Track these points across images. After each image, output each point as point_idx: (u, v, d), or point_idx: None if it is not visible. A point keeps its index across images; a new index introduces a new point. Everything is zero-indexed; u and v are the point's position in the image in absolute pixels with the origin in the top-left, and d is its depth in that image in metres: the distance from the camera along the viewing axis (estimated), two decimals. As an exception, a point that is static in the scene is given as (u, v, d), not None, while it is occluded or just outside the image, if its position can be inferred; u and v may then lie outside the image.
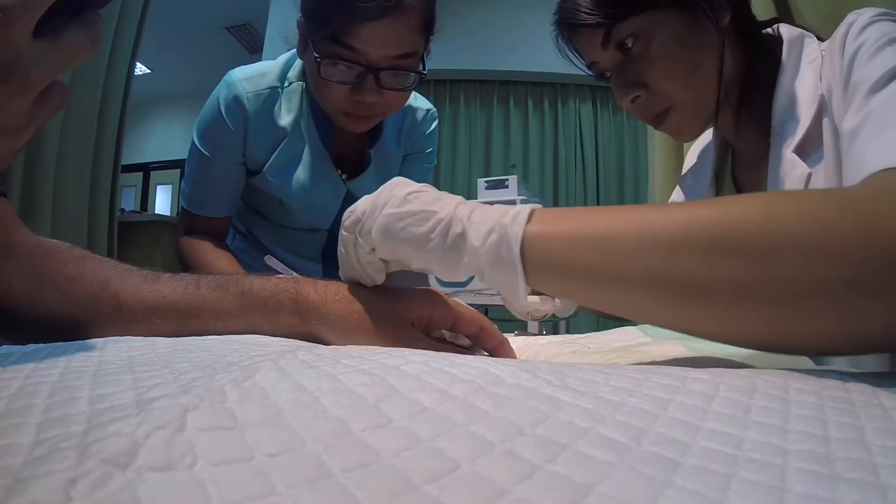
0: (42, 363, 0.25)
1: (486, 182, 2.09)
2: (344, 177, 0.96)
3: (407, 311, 0.40)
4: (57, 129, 1.51)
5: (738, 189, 0.71)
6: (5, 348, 0.30)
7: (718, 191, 0.73)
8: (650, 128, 1.51)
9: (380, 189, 0.39)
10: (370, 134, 0.94)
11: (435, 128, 1.05)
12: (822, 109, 0.55)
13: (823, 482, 0.17)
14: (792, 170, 0.56)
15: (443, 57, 3.98)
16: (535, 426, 0.19)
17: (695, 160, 0.81)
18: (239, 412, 0.19)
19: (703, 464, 0.17)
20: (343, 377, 0.23)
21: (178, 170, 5.08)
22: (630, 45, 0.59)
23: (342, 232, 0.40)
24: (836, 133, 0.52)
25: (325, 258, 1.07)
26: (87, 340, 0.33)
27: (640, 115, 0.63)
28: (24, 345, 0.31)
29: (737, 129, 0.66)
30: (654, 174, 1.46)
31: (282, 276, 0.44)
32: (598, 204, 4.05)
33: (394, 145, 1.01)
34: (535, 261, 0.34)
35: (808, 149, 0.56)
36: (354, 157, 0.97)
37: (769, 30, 0.64)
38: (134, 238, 3.02)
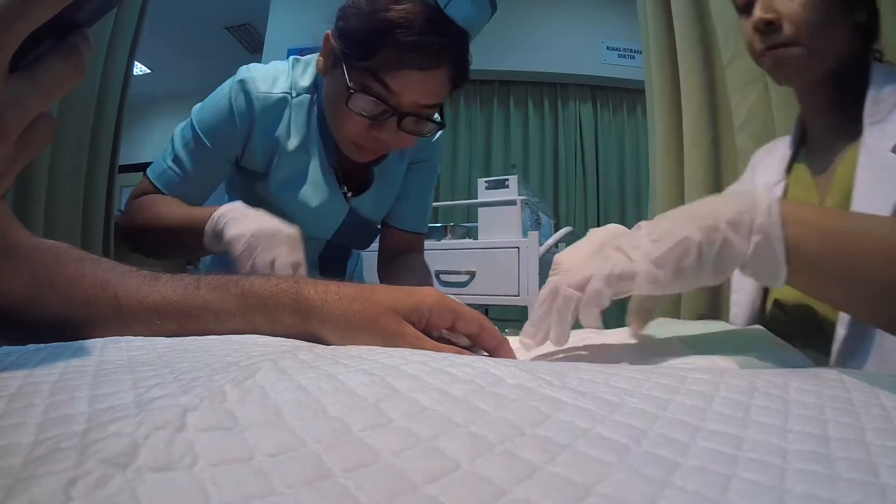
0: (42, 363, 0.25)
1: (486, 182, 2.09)
2: (349, 194, 0.95)
3: (407, 310, 0.40)
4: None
5: (811, 173, 0.76)
6: (5, 348, 0.30)
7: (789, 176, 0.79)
8: (651, 128, 1.51)
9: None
10: (365, 174, 0.96)
11: (440, 137, 1.03)
12: None
13: (823, 482, 0.17)
14: (892, 166, 0.60)
15: (443, 57, 3.99)
16: (535, 426, 0.19)
17: (767, 151, 0.86)
18: (239, 412, 0.18)
19: (702, 464, 0.17)
20: (343, 377, 0.23)
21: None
22: None
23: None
24: None
25: (322, 263, 1.05)
26: (87, 341, 0.33)
27: (763, 41, 0.70)
28: (23, 345, 0.31)
29: (828, 109, 0.72)
30: (655, 174, 1.45)
31: (282, 276, 0.43)
32: (598, 203, 4.05)
33: (397, 157, 0.98)
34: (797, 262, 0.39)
35: None
36: (358, 173, 0.96)
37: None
38: (134, 243, 3.00)
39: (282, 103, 0.87)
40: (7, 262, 0.41)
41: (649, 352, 0.43)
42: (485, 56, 4.00)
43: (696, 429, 0.20)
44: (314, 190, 0.90)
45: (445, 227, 2.03)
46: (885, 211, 0.58)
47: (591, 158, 4.10)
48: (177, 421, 0.17)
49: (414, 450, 0.17)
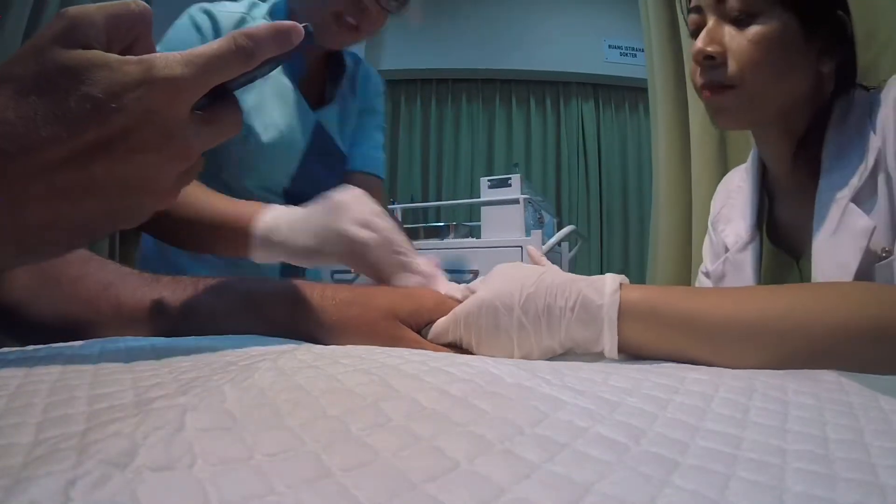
0: (42, 362, 0.25)
1: (489, 181, 2.09)
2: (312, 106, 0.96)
3: (406, 314, 0.40)
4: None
5: (785, 231, 0.69)
6: (5, 348, 0.30)
7: (761, 231, 0.71)
8: (654, 127, 1.50)
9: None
10: (332, 72, 0.99)
11: (384, 90, 1.10)
12: (878, 159, 0.55)
13: (822, 482, 0.17)
14: (852, 220, 0.55)
15: (445, 56, 3.98)
16: (534, 426, 0.19)
17: (724, 199, 0.80)
18: (238, 412, 0.19)
19: (701, 463, 0.17)
20: (342, 377, 0.23)
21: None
22: (741, 16, 0.59)
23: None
24: (889, 184, 0.53)
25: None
26: (87, 340, 0.33)
27: (702, 76, 0.63)
28: (24, 345, 0.31)
29: (793, 163, 0.65)
30: (658, 173, 1.45)
31: (280, 279, 0.43)
32: (600, 202, 4.05)
33: (349, 91, 1.03)
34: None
35: (863, 197, 0.55)
36: (317, 94, 0.98)
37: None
38: (136, 239, 3.01)
39: (241, 22, 0.90)
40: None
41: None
42: (487, 55, 4.00)
43: (695, 428, 0.20)
44: (278, 103, 0.91)
45: (448, 226, 2.03)
46: (846, 280, 0.53)
47: (593, 157, 4.09)
48: (176, 421, 0.17)
49: (413, 449, 0.17)
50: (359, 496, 0.14)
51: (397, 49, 3.90)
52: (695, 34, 0.64)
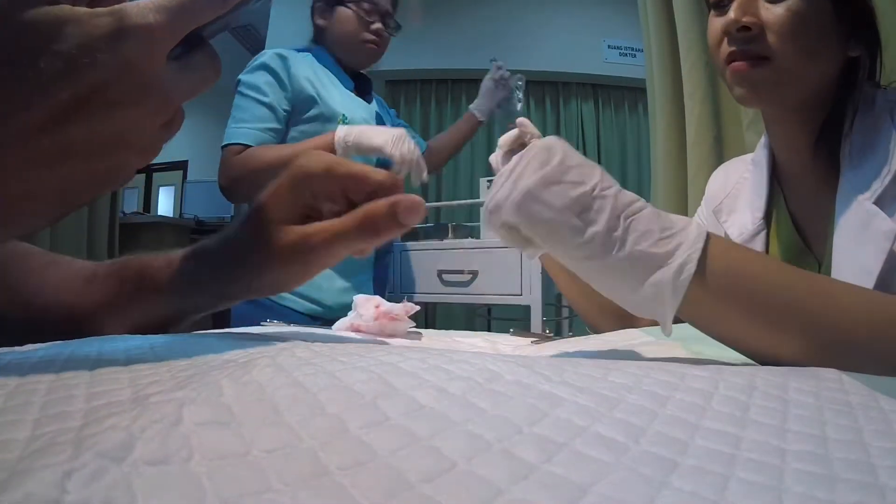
0: (40, 362, 0.25)
1: (488, 181, 2.09)
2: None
3: (282, 207, 0.37)
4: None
5: (797, 225, 0.68)
6: (4, 348, 0.30)
7: (769, 224, 0.70)
8: (653, 126, 1.51)
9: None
10: (364, 87, 1.43)
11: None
12: None
13: (822, 483, 0.16)
14: (876, 223, 0.54)
15: (445, 56, 3.98)
16: (533, 424, 0.19)
17: (726, 189, 0.77)
18: (235, 407, 0.18)
19: (701, 464, 0.17)
20: (340, 374, 0.23)
21: (181, 171, 5.07)
22: None
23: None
24: None
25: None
26: (85, 339, 0.33)
27: (734, 46, 0.60)
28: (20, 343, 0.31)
29: (810, 154, 0.63)
30: (657, 173, 1.45)
31: (175, 252, 0.42)
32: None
33: (378, 105, 1.48)
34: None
35: (886, 199, 0.54)
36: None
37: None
38: (136, 239, 3.02)
39: (301, 53, 1.32)
40: None
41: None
42: (486, 55, 3.99)
43: (695, 427, 0.20)
44: (348, 99, 1.33)
45: (448, 226, 2.03)
46: (868, 284, 0.52)
47: (592, 157, 4.06)
48: (173, 415, 0.17)
49: (411, 448, 0.17)
50: (355, 495, 0.14)
51: (397, 49, 3.88)
52: (717, 5, 0.63)
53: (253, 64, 1.25)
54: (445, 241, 1.93)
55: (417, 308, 0.62)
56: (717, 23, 0.62)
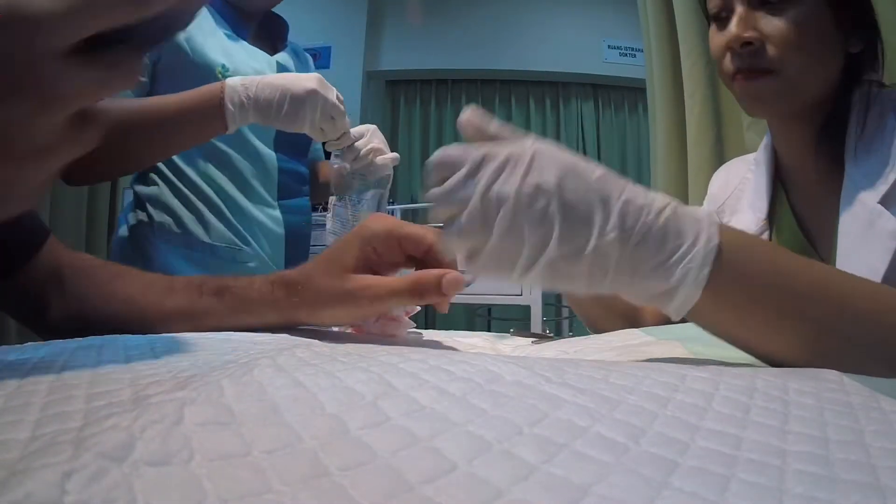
0: (40, 363, 0.25)
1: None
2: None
3: (351, 262, 0.40)
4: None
5: (801, 224, 0.68)
6: (4, 347, 0.30)
7: (772, 224, 0.70)
8: (653, 126, 1.51)
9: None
10: (276, 27, 1.10)
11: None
12: None
13: (822, 483, 0.16)
14: (881, 223, 0.54)
15: (445, 56, 3.98)
16: (534, 425, 0.19)
17: (728, 189, 0.77)
18: (236, 407, 0.18)
19: (701, 465, 0.17)
20: (341, 374, 0.23)
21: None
22: (774, 0, 0.59)
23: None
24: None
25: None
26: (86, 339, 0.33)
27: (736, 65, 0.61)
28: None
29: (813, 154, 0.63)
30: (657, 173, 1.45)
31: (263, 276, 0.46)
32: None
33: (294, 57, 1.12)
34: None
35: (891, 199, 0.54)
36: (268, 48, 1.06)
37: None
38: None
39: None
40: (56, 289, 0.49)
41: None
42: (486, 55, 4.00)
43: (695, 428, 0.20)
44: (242, 48, 0.99)
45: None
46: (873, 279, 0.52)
47: (592, 157, 4.06)
48: (174, 415, 0.17)
49: (411, 449, 0.17)
50: (356, 496, 0.14)
51: (397, 49, 3.90)
52: (716, 18, 0.63)
53: None
54: (445, 240, 1.93)
55: (418, 309, 0.62)
56: (719, 38, 0.63)
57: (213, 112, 0.75)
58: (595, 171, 0.32)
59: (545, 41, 3.95)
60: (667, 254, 0.31)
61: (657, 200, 0.32)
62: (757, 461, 0.18)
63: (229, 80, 0.76)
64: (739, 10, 0.60)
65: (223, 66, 0.93)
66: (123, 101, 0.79)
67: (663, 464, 0.17)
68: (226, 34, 0.98)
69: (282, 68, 1.04)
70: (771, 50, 0.58)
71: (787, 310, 0.33)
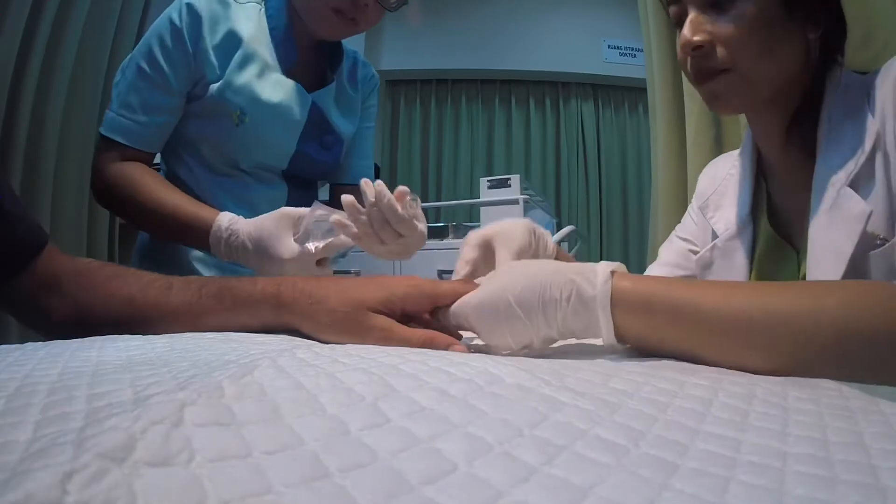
0: (41, 363, 0.25)
1: (488, 181, 2.09)
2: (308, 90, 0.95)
3: (377, 303, 0.42)
4: (57, 130, 1.50)
5: (780, 215, 0.68)
6: (5, 347, 0.30)
7: (756, 217, 0.71)
8: (653, 126, 1.51)
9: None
10: (329, 57, 1.00)
11: (378, 87, 1.12)
12: (876, 144, 0.54)
13: (823, 485, 0.16)
14: (849, 205, 0.55)
15: (444, 57, 3.98)
16: (534, 427, 0.19)
17: (714, 184, 0.78)
18: (236, 408, 0.18)
19: (701, 466, 0.17)
20: (341, 375, 0.23)
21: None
22: (720, 1, 0.59)
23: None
24: (887, 168, 0.53)
25: None
26: (86, 339, 0.33)
27: (693, 68, 0.62)
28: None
29: (787, 143, 0.64)
30: (658, 173, 1.45)
31: (266, 278, 0.46)
32: (600, 202, 4.05)
33: (348, 81, 1.04)
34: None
35: (860, 182, 0.55)
36: (313, 77, 0.97)
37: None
38: (136, 238, 3.01)
39: (225, 5, 0.88)
40: (55, 291, 0.50)
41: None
42: (486, 55, 3.99)
43: (695, 431, 0.20)
44: (273, 87, 0.90)
45: (447, 226, 2.03)
46: (840, 266, 0.53)
47: (593, 157, 4.10)
48: (174, 416, 0.17)
49: (412, 450, 0.17)
50: (356, 497, 0.14)
51: (397, 49, 3.89)
52: (678, 24, 0.64)
53: (151, 32, 0.86)
54: (445, 241, 1.93)
55: None
56: (679, 41, 0.64)
57: (203, 235, 0.77)
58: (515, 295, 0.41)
59: (545, 41, 3.95)
60: (582, 320, 0.39)
61: (564, 289, 0.39)
62: (757, 463, 0.18)
63: (219, 219, 0.76)
64: (691, 14, 0.61)
65: (241, 110, 0.87)
66: (148, 188, 0.82)
67: (663, 466, 0.17)
68: (260, 65, 0.89)
69: (315, 110, 0.94)
70: (720, 50, 0.59)
71: (691, 330, 0.37)
